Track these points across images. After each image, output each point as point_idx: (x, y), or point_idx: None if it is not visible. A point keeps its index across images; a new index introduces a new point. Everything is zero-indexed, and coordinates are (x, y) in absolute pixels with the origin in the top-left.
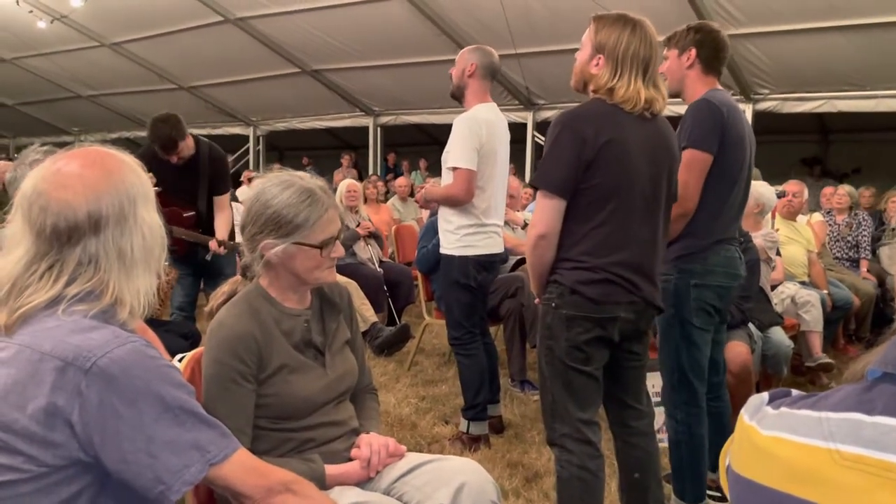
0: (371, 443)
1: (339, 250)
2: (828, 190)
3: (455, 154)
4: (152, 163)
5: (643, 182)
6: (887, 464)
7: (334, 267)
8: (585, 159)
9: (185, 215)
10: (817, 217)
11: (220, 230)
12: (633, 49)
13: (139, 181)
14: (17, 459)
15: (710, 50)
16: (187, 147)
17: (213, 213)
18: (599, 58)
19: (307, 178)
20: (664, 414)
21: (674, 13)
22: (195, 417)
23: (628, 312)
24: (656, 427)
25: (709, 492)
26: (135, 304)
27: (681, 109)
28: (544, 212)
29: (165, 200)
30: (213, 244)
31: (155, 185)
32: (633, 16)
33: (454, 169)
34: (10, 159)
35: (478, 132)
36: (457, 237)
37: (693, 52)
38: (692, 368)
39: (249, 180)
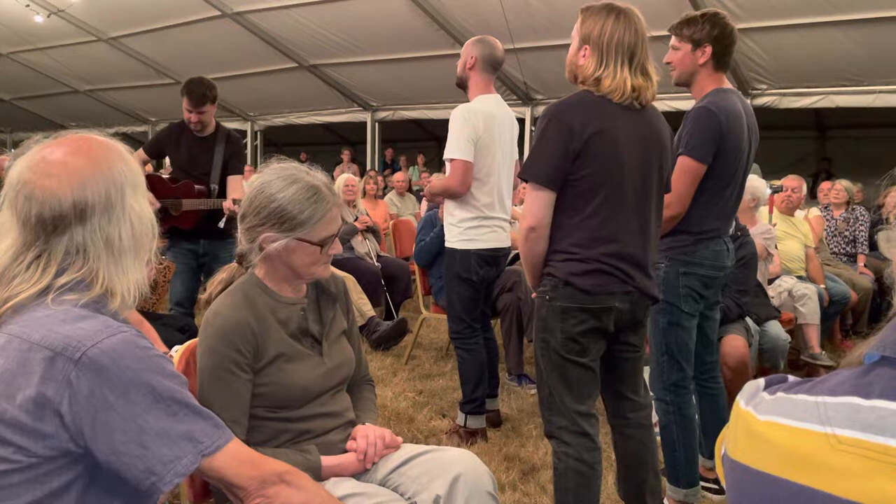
0: (367, 434)
1: (337, 247)
2: (825, 185)
3: (450, 145)
4: (172, 137)
5: (633, 173)
6: (885, 447)
7: (330, 263)
8: (573, 151)
9: (196, 188)
10: (815, 212)
11: (233, 195)
12: (617, 37)
13: (127, 168)
14: (6, 450)
15: (724, 46)
16: (211, 115)
17: (224, 193)
18: (586, 48)
19: (313, 174)
20: (654, 399)
21: (672, 7)
22: (187, 408)
23: (623, 302)
24: (652, 420)
25: (705, 483)
26: (126, 294)
27: (677, 104)
28: (534, 204)
29: (177, 177)
30: (227, 203)
31: (164, 166)
32: (619, 4)
33: (451, 160)
34: (7, 154)
35: (473, 123)
36: (459, 230)
37: (709, 49)
38: (680, 350)
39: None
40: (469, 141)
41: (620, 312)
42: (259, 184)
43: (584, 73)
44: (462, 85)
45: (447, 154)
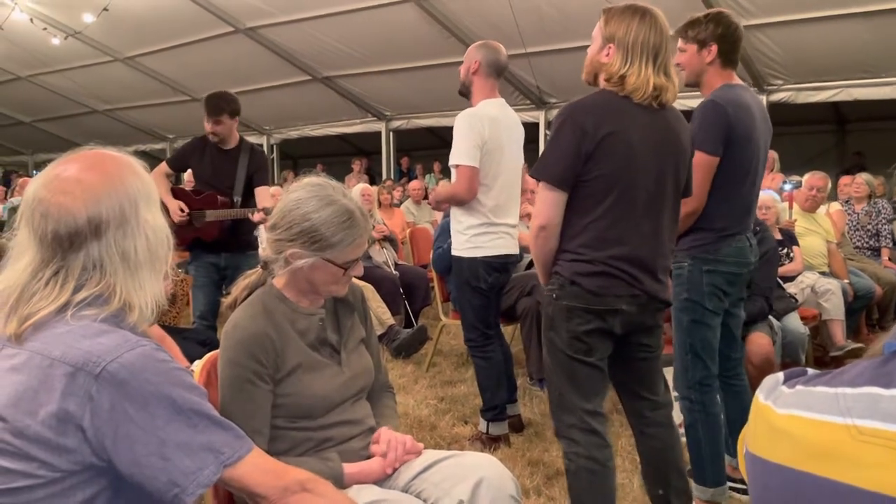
0: (389, 438)
1: (358, 269)
2: (845, 179)
3: (456, 151)
4: (196, 150)
5: (646, 176)
6: None
7: (349, 282)
8: (585, 152)
9: (219, 199)
10: (836, 206)
11: (263, 206)
12: (643, 37)
13: (140, 182)
14: (31, 465)
15: (730, 44)
16: (229, 127)
17: (247, 206)
18: (610, 47)
19: (349, 196)
20: (679, 398)
21: (685, 5)
22: (208, 419)
23: (630, 306)
24: (676, 421)
25: (732, 483)
26: (144, 307)
27: (693, 103)
28: (545, 203)
29: (202, 189)
30: (258, 216)
31: (183, 182)
32: (642, 5)
33: (457, 167)
34: (30, 176)
35: (479, 129)
36: (466, 238)
37: (715, 48)
38: (704, 348)
39: None
40: (475, 146)
41: (627, 315)
42: (294, 200)
43: (609, 70)
44: (465, 91)
45: (453, 160)
